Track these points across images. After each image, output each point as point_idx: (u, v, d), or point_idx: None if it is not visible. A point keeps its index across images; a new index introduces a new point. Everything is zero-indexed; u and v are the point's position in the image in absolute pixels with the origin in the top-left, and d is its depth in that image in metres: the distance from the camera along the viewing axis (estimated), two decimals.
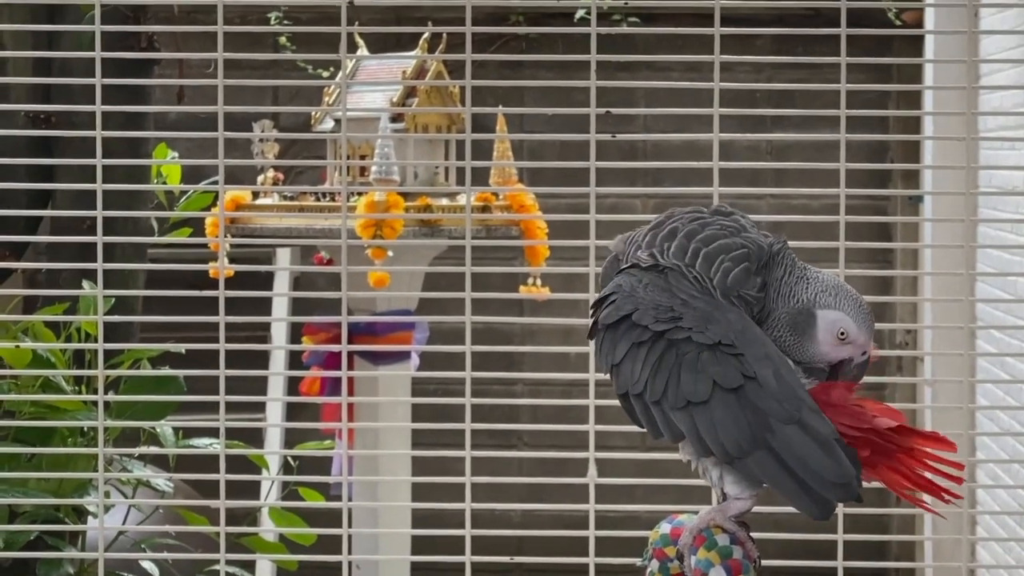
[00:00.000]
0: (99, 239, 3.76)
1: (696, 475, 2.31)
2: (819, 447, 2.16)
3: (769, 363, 2.19)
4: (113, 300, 3.92)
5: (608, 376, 2.30)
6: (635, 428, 2.35)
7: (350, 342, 3.86)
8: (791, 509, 2.21)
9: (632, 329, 2.25)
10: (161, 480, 4.12)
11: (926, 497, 2.26)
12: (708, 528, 2.27)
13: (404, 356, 5.58)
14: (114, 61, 3.89)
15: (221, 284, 3.76)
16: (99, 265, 3.77)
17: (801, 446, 2.16)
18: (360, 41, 5.71)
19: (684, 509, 2.43)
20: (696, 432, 2.19)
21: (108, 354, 3.86)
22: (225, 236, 4.17)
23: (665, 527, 2.34)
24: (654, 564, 2.32)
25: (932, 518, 6.14)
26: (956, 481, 2.25)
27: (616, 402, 2.32)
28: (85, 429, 4.03)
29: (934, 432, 2.24)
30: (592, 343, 2.35)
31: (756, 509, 2.30)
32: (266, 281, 7.60)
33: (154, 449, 4.12)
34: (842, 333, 2.26)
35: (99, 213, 3.76)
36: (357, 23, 4.61)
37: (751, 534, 2.29)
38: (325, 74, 7.60)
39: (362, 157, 5.53)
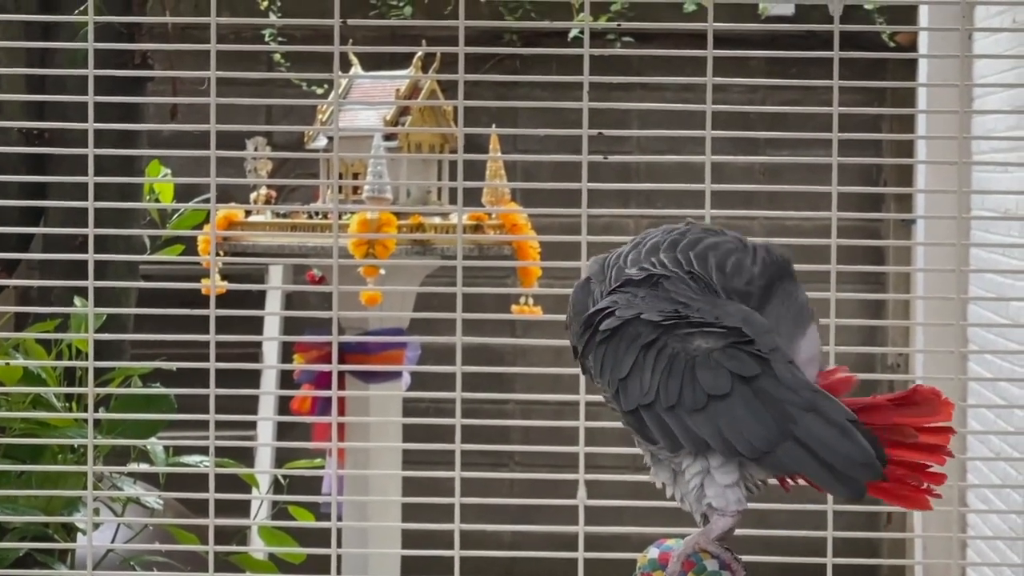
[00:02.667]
0: (90, 256, 3.75)
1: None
2: (838, 431, 2.19)
3: (780, 353, 2.23)
4: (104, 317, 3.92)
5: (611, 395, 2.29)
6: (626, 449, 2.34)
7: (341, 360, 3.85)
8: (782, 532, 2.20)
9: (638, 334, 2.24)
10: (151, 498, 4.11)
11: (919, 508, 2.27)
12: (696, 553, 2.27)
13: (395, 375, 5.57)
14: (108, 78, 3.89)
15: (212, 302, 3.76)
16: (90, 283, 3.76)
17: (823, 431, 2.19)
18: (354, 59, 5.71)
19: (674, 532, 2.42)
20: (720, 434, 2.19)
21: (99, 371, 3.85)
22: (217, 254, 4.17)
23: (653, 552, 2.33)
24: None
25: (922, 542, 6.13)
26: (941, 460, 2.25)
27: (608, 424, 2.31)
28: (75, 446, 4.02)
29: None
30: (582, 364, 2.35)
31: (747, 531, 2.29)
32: (258, 299, 7.59)
33: (144, 467, 4.11)
34: None
35: (90, 231, 3.75)
36: (351, 41, 4.62)
37: (739, 556, 2.29)
38: (319, 92, 7.61)
39: (355, 175, 5.52)
